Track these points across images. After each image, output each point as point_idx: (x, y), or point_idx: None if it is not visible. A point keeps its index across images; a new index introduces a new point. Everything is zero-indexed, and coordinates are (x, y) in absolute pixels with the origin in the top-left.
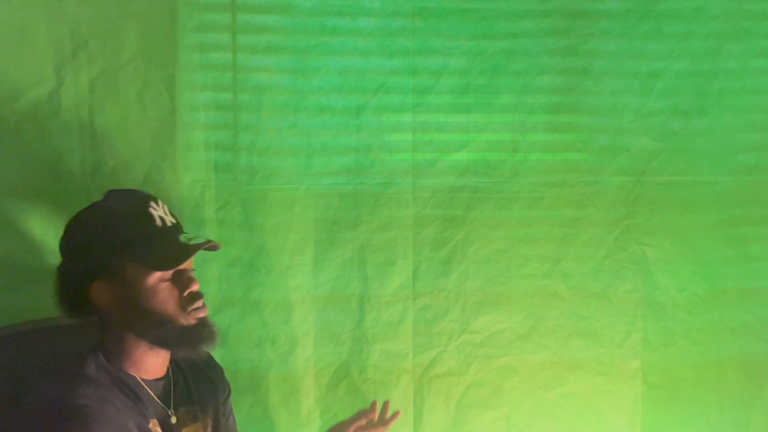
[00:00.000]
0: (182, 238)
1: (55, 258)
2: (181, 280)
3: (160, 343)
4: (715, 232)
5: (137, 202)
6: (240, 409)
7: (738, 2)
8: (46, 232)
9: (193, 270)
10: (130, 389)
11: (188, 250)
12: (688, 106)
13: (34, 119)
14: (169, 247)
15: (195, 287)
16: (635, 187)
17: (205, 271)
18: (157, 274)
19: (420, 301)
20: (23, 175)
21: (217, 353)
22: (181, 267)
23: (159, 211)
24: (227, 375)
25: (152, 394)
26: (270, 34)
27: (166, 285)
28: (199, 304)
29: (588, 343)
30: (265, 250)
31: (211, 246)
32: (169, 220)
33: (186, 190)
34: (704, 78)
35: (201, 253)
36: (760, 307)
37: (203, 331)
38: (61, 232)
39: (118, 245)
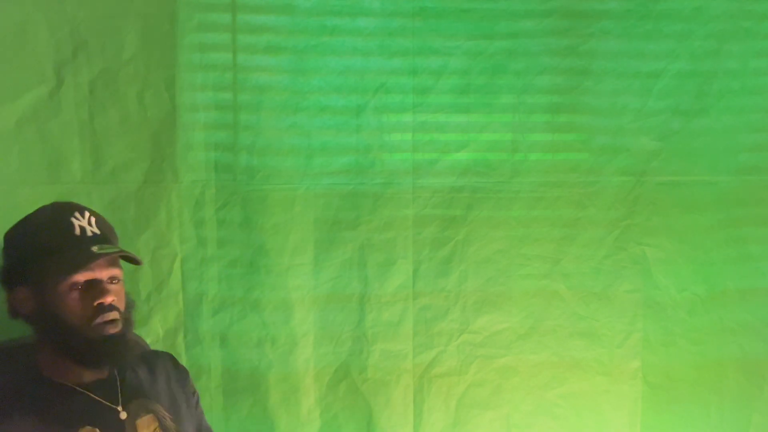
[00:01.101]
0: (96, 247)
1: None
2: (94, 291)
3: (67, 353)
4: (715, 232)
5: (61, 211)
6: (240, 409)
7: (738, 2)
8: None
9: (117, 282)
10: (59, 400)
11: (91, 257)
12: (688, 106)
13: (34, 119)
14: (77, 254)
15: (107, 299)
16: (635, 187)
17: (205, 271)
18: (68, 282)
19: (420, 301)
20: (23, 175)
21: (218, 353)
22: (96, 277)
23: (82, 222)
24: (227, 375)
25: (94, 396)
26: (270, 34)
27: (76, 294)
28: (106, 317)
29: (588, 343)
30: (265, 250)
31: (127, 257)
32: (91, 230)
33: (186, 190)
34: (704, 78)
35: (201, 253)
36: (760, 307)
37: (107, 347)
38: (13, 225)
39: (38, 252)
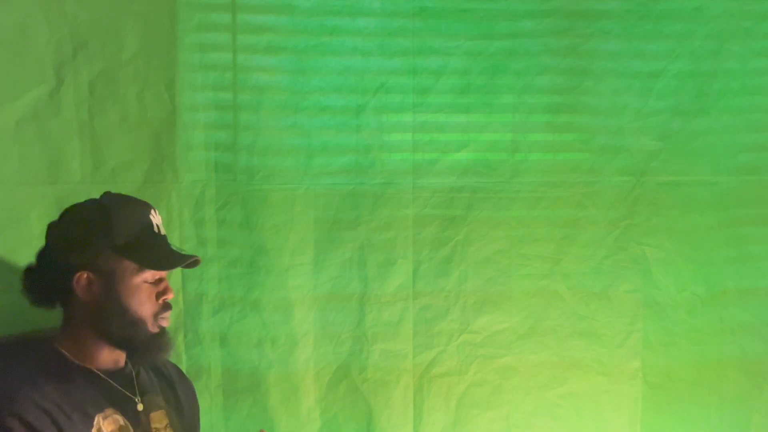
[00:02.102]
0: (174, 248)
1: None
2: (161, 287)
3: (124, 343)
4: (715, 232)
5: (140, 207)
6: (240, 409)
7: (738, 2)
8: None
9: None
10: (72, 383)
11: (181, 258)
12: (688, 106)
13: (34, 119)
14: (165, 252)
15: (170, 295)
16: (635, 187)
17: (206, 271)
18: (144, 275)
19: (420, 301)
20: (23, 175)
21: (217, 353)
22: (162, 275)
23: (157, 219)
24: (227, 375)
25: (114, 384)
26: (270, 34)
27: (147, 287)
28: (168, 313)
29: (588, 343)
30: (265, 250)
31: (194, 261)
32: (163, 230)
33: (186, 190)
34: (704, 78)
35: (201, 253)
36: (760, 307)
37: (164, 339)
38: (83, 202)
39: (116, 241)
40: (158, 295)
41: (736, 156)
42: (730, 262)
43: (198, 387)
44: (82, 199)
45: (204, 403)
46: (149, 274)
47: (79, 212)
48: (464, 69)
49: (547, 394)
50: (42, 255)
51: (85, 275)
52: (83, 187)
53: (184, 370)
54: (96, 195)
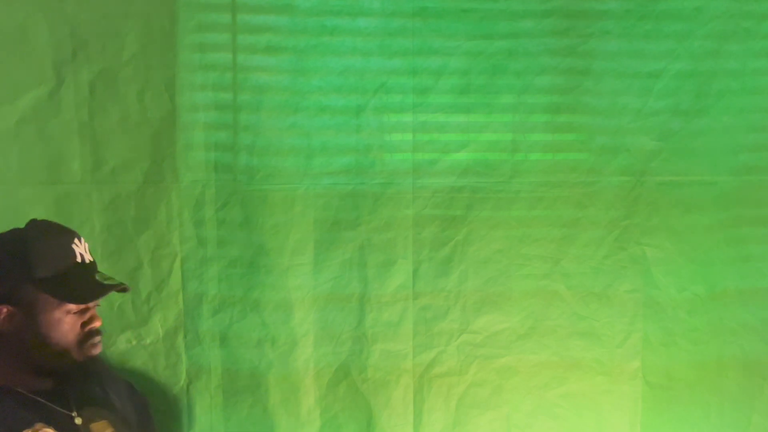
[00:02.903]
0: (98, 276)
1: None
2: (86, 316)
3: (50, 373)
4: (715, 232)
5: (62, 236)
6: (240, 409)
7: (738, 2)
8: None
9: (98, 306)
10: (11, 402)
11: (103, 289)
12: (688, 106)
13: (34, 119)
14: (86, 284)
15: (97, 324)
16: (635, 187)
17: (206, 271)
18: (66, 306)
19: (420, 301)
20: (23, 175)
21: (217, 353)
22: (89, 305)
23: (80, 248)
24: (227, 375)
25: (43, 401)
26: (270, 34)
27: (70, 318)
28: (95, 340)
29: (588, 343)
30: (265, 250)
31: (121, 288)
32: (88, 258)
33: (186, 190)
34: (704, 78)
35: (201, 253)
36: (760, 307)
37: (93, 367)
38: (4, 233)
39: (35, 274)
40: (84, 325)
41: (736, 156)
42: (730, 262)
43: (198, 387)
44: (82, 199)
45: (204, 403)
46: (72, 306)
47: (4, 247)
48: (464, 69)
49: (547, 394)
50: None
51: (5, 309)
52: (83, 187)
53: (184, 370)
54: (96, 195)
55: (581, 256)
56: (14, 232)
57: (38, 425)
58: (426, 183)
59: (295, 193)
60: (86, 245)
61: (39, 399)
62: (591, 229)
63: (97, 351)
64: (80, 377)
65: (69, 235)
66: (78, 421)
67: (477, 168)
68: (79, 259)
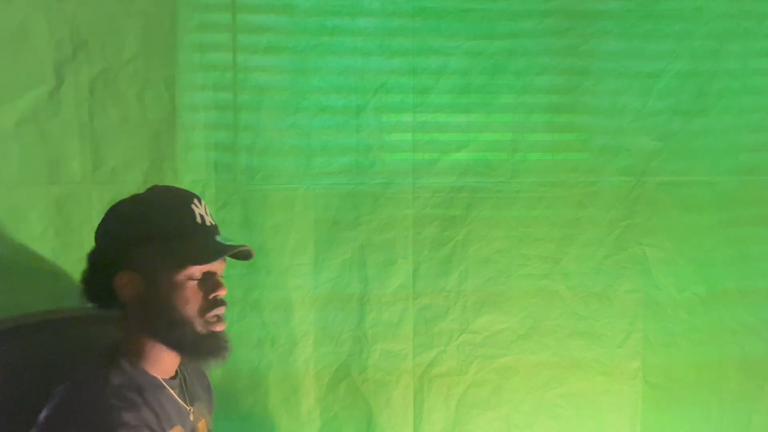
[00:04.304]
0: (219, 238)
1: (54, 257)
2: (209, 283)
3: (172, 344)
4: (715, 232)
5: (180, 197)
6: (240, 409)
7: (738, 2)
8: (46, 232)
9: (222, 277)
10: (153, 396)
11: (223, 249)
12: (688, 106)
13: (34, 119)
14: (205, 244)
15: (221, 292)
16: (635, 187)
17: None
18: (187, 271)
19: (420, 301)
20: (23, 175)
21: None
22: (212, 269)
23: (200, 209)
24: (227, 375)
25: (173, 393)
26: (270, 34)
27: (192, 284)
28: (219, 311)
29: (588, 343)
30: (265, 250)
31: (245, 252)
32: (209, 220)
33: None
34: (704, 78)
35: None
36: (760, 307)
37: (216, 342)
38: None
39: (155, 236)
40: (207, 292)
41: (736, 156)
42: (730, 262)
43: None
44: (82, 199)
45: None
46: (194, 270)
47: (118, 208)
48: (464, 69)
49: (547, 394)
50: (90, 256)
51: (127, 275)
52: (83, 187)
53: None
54: (96, 195)
55: (581, 256)
56: (133, 197)
57: (176, 428)
58: (426, 183)
59: (295, 193)
60: (207, 207)
61: (168, 390)
62: (591, 229)
63: (220, 327)
64: (202, 353)
65: (188, 196)
66: (192, 417)
67: (477, 168)
68: (198, 220)
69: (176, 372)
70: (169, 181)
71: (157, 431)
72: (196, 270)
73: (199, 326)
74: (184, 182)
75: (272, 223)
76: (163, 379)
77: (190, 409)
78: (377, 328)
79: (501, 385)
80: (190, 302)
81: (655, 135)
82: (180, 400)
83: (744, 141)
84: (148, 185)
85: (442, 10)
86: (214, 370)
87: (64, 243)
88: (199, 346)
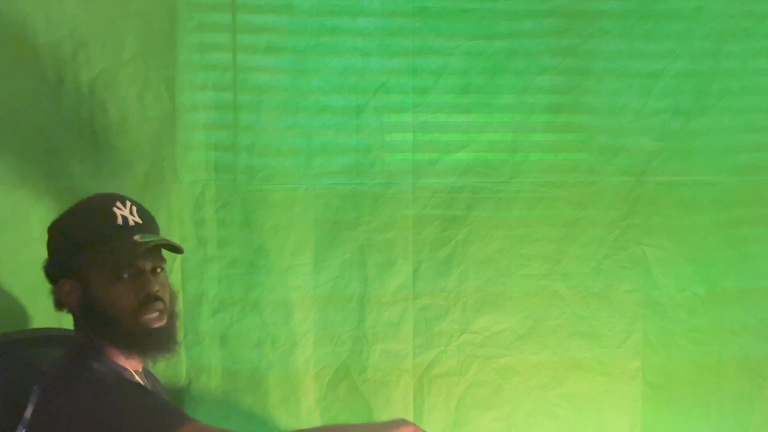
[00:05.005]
0: (139, 237)
1: None
2: (138, 281)
3: (115, 343)
4: (715, 232)
5: (102, 202)
6: (240, 409)
7: (738, 2)
8: (46, 232)
9: (160, 271)
10: (131, 379)
11: (134, 247)
12: (688, 106)
13: (34, 119)
14: (123, 245)
15: (151, 289)
16: (635, 187)
17: (205, 271)
18: (112, 274)
19: (420, 301)
20: (23, 175)
21: (217, 353)
22: (142, 267)
23: (124, 211)
24: (227, 375)
25: (145, 383)
26: (270, 34)
27: (121, 285)
28: (152, 308)
29: (588, 343)
30: (265, 250)
31: (168, 245)
32: (133, 220)
33: (186, 190)
34: (704, 78)
35: (201, 253)
36: (760, 307)
37: (157, 338)
38: (56, 217)
39: (81, 244)
40: (137, 291)
41: (736, 156)
42: (730, 262)
43: (198, 387)
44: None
45: (204, 403)
46: (119, 271)
47: (55, 223)
48: (464, 69)
49: (547, 394)
50: (43, 270)
51: (66, 283)
52: (83, 187)
53: (184, 370)
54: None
55: (581, 256)
56: (67, 210)
57: None
58: (426, 183)
59: (295, 193)
60: (134, 207)
61: (145, 382)
62: (591, 229)
63: (158, 323)
64: (146, 350)
65: (109, 200)
66: None
67: (477, 168)
68: (120, 222)
69: (143, 368)
70: (169, 181)
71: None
72: (121, 271)
73: (135, 324)
74: (184, 182)
75: (272, 223)
76: (134, 371)
77: None
78: (377, 328)
79: (501, 385)
80: (122, 302)
81: (655, 135)
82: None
83: (744, 141)
84: (149, 185)
85: (442, 10)
86: (215, 371)
87: None
88: (140, 344)
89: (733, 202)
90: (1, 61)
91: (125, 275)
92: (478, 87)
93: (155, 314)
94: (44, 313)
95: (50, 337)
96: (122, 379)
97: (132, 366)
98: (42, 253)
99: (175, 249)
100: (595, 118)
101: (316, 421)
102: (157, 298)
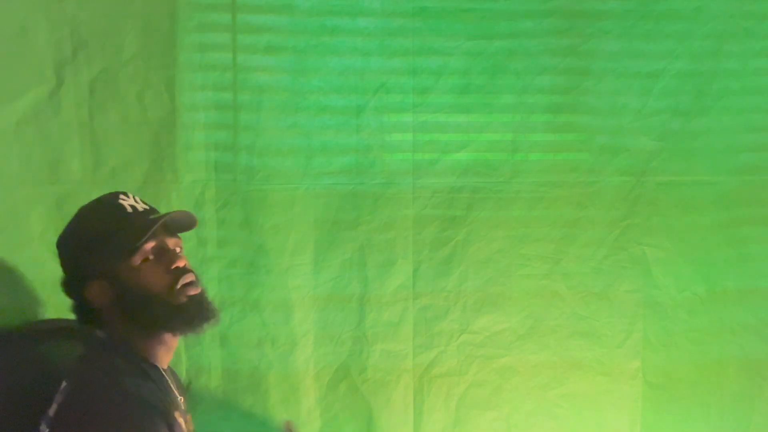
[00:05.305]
0: (154, 216)
1: (54, 257)
2: (165, 258)
3: (159, 325)
4: (715, 232)
5: (105, 199)
6: (240, 409)
7: (738, 2)
8: (46, 232)
9: (181, 250)
10: (157, 378)
11: (148, 223)
12: (688, 106)
13: (34, 119)
14: (141, 225)
15: (180, 263)
16: (635, 187)
17: (206, 271)
18: (137, 255)
19: (420, 301)
20: (23, 175)
21: (217, 353)
22: (162, 246)
23: (129, 201)
24: (227, 375)
25: (169, 381)
26: (270, 34)
27: (149, 264)
28: (186, 279)
29: (588, 343)
30: (265, 250)
31: (185, 220)
32: (141, 206)
33: (186, 190)
34: (704, 78)
35: (201, 253)
36: (760, 307)
37: (197, 308)
38: (61, 232)
39: (98, 240)
40: (167, 266)
41: (736, 156)
42: (730, 262)
43: (198, 387)
44: (82, 199)
45: (204, 403)
46: (144, 250)
47: (61, 239)
48: (464, 69)
49: (547, 394)
50: (62, 285)
51: (94, 284)
52: (83, 187)
53: (184, 370)
54: (96, 195)
55: (581, 256)
56: (67, 225)
57: (177, 412)
58: (426, 183)
59: (295, 193)
60: (136, 197)
61: (169, 381)
62: (591, 229)
63: (194, 290)
64: (191, 322)
65: (112, 195)
66: (183, 407)
67: (477, 168)
68: (129, 210)
69: (168, 366)
70: (169, 181)
71: (169, 409)
72: (147, 249)
73: (175, 299)
74: (184, 182)
75: (272, 223)
76: (163, 369)
77: (182, 399)
78: (377, 328)
79: (501, 385)
80: (155, 280)
81: (655, 135)
82: (175, 391)
83: (744, 141)
84: (148, 185)
85: (442, 10)
86: (215, 371)
87: None
88: (184, 316)
89: (733, 202)
90: (1, 61)
91: (150, 256)
92: (478, 87)
93: (189, 284)
94: (44, 313)
95: (62, 328)
96: (144, 403)
97: (162, 363)
98: (42, 253)
99: (190, 224)
100: (595, 118)
101: (316, 421)
102: (187, 270)
